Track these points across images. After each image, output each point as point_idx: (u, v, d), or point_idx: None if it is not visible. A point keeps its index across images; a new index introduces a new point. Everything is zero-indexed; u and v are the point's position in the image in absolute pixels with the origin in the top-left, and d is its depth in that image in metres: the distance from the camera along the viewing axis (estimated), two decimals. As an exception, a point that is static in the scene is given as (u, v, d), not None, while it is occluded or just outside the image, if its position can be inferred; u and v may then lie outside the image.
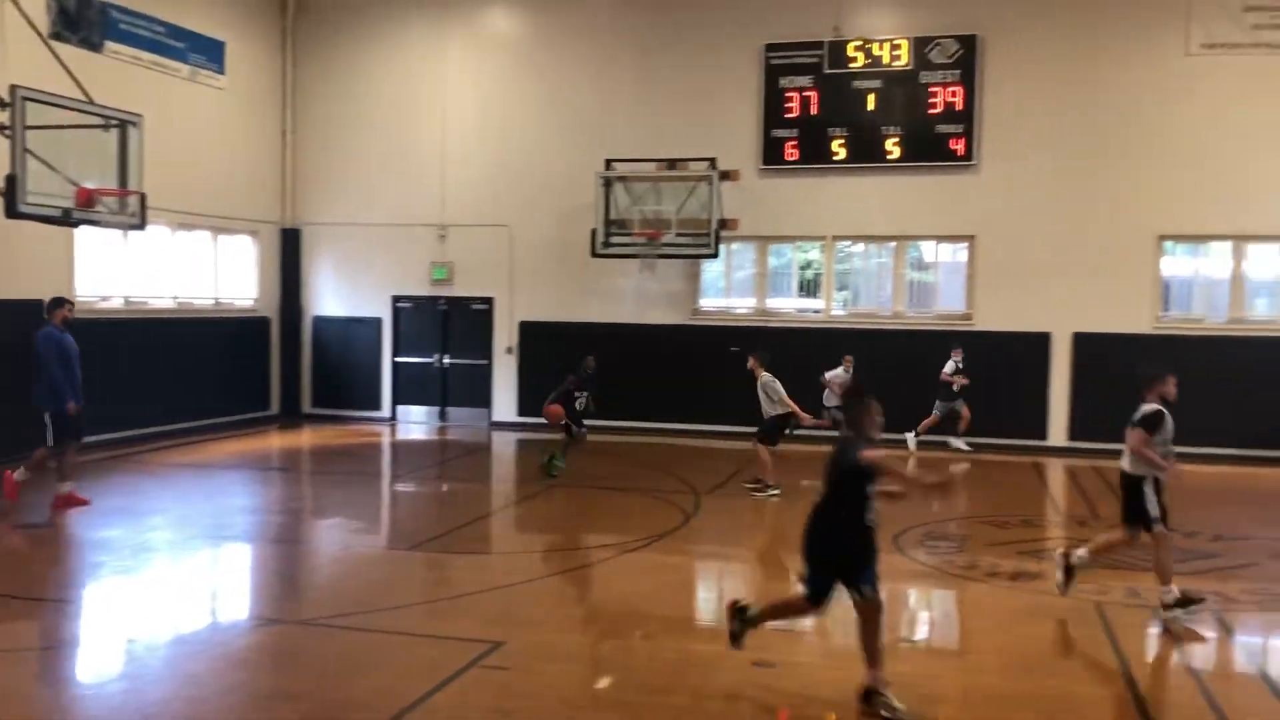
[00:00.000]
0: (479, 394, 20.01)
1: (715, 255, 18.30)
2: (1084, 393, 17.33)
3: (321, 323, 20.62)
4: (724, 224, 17.96)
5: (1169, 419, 8.34)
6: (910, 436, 17.16)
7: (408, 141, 20.02)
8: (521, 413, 19.56)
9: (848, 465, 6.27)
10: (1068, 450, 17.18)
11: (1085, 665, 7.14)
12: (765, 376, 13.11)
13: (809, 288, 19.36)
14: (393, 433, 19.43)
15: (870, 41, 17.97)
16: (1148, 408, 8.34)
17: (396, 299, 20.30)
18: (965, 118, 17.62)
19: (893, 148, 17.94)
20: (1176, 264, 17.87)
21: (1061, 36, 17.42)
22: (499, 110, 19.74)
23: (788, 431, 13.43)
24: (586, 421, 14.86)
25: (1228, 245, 17.25)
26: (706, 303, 19.41)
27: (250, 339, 19.82)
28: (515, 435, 18.94)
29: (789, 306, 19.24)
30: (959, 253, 18.43)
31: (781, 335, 18.62)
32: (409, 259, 20.07)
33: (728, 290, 19.49)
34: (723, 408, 18.39)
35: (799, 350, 18.32)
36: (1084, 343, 17.35)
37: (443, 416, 20.24)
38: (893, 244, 18.58)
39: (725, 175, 17.97)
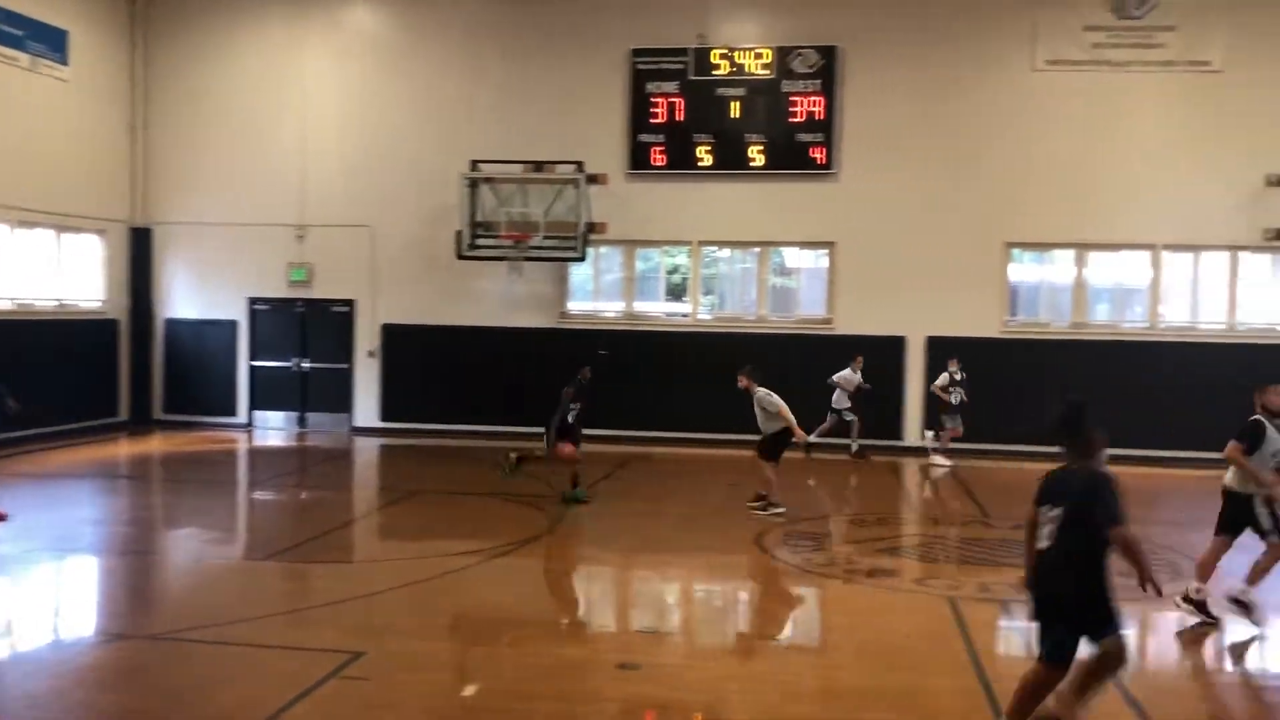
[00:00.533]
0: (340, 399, 19.55)
1: (583, 259, 18.33)
2: (935, 394, 17.89)
3: (174, 325, 19.85)
4: (592, 228, 18.01)
5: (1270, 430, 8.25)
6: (935, 453, 16.71)
7: (266, 139, 19.45)
8: (385, 418, 19.22)
9: (1106, 518, 5.50)
10: (922, 450, 17.72)
11: (939, 658, 7.37)
12: (760, 392, 12.30)
13: (676, 292, 19.56)
14: (249, 439, 18.83)
15: (734, 50, 18.26)
16: (1250, 419, 8.31)
17: (253, 301, 19.69)
18: (825, 127, 18.06)
19: (756, 155, 18.27)
20: (1023, 270, 18.64)
21: (917, 51, 18.01)
22: (362, 108, 19.37)
23: (794, 442, 12.32)
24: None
25: (1070, 253, 18.09)
26: (574, 306, 19.40)
27: (97, 342, 18.95)
28: (378, 441, 18.59)
29: (657, 310, 19.38)
30: (820, 259, 18.87)
31: (648, 338, 18.79)
32: (266, 260, 19.49)
33: (596, 294, 19.53)
34: (592, 411, 18.40)
35: (664, 354, 18.56)
36: (937, 346, 17.94)
37: (302, 422, 19.71)
38: (757, 250, 18.91)
39: (593, 179, 18.02)
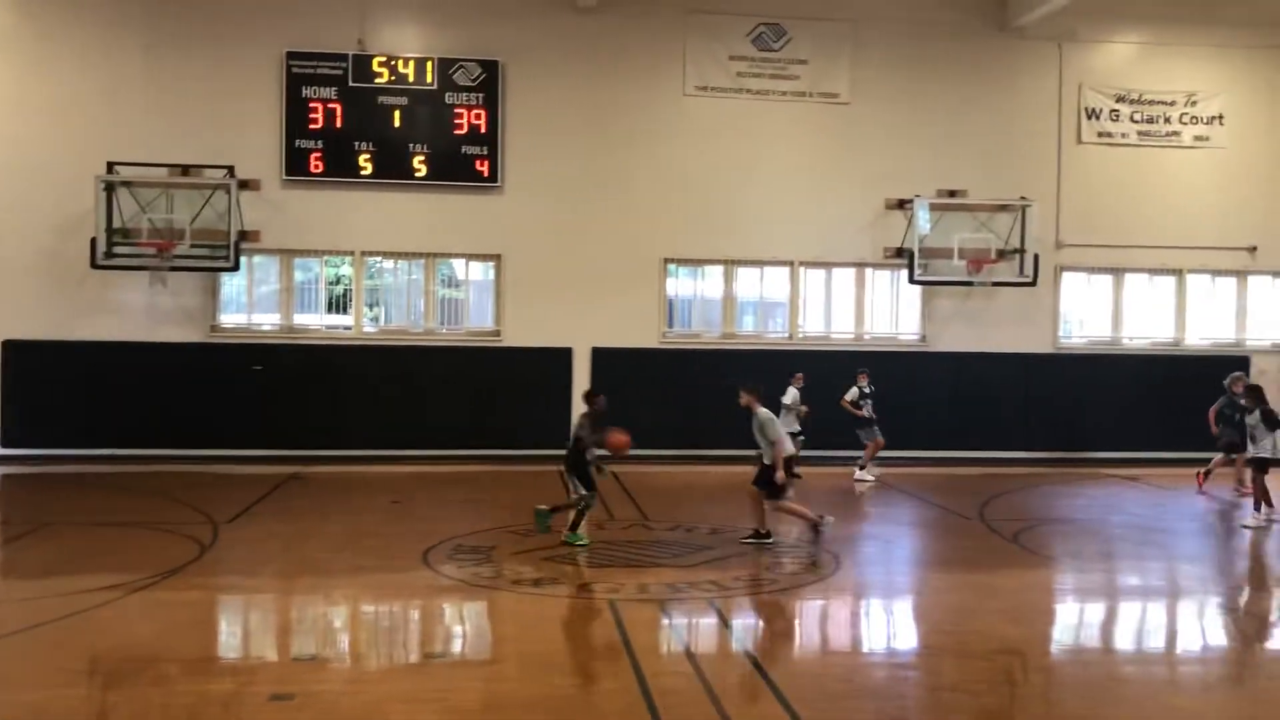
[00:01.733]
0: (-47, 423, 17.44)
1: (235, 269, 17.42)
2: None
3: None
4: (244, 236, 17.18)
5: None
6: (861, 469, 16.44)
7: None
8: (6, 443, 17.35)
9: None
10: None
11: (599, 662, 7.57)
12: (763, 413, 11.34)
13: (338, 304, 18.97)
14: None
15: (395, 58, 17.99)
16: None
17: None
18: (490, 140, 18.18)
19: (420, 165, 18.09)
20: (679, 284, 19.59)
21: (576, 70, 18.51)
22: (-25, 102, 17.43)
23: (776, 480, 11.19)
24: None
25: (720, 269, 19.21)
26: (227, 319, 18.37)
27: None
28: None
29: (317, 323, 18.71)
30: (488, 270, 18.94)
31: (308, 352, 18.14)
32: None
33: (250, 306, 18.57)
34: (245, 429, 17.57)
35: (325, 368, 17.99)
36: (601, 356, 18.51)
37: (-94, 451, 17.41)
38: (423, 260, 18.70)
39: (245, 184, 17.22)
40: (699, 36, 18.68)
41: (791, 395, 15.96)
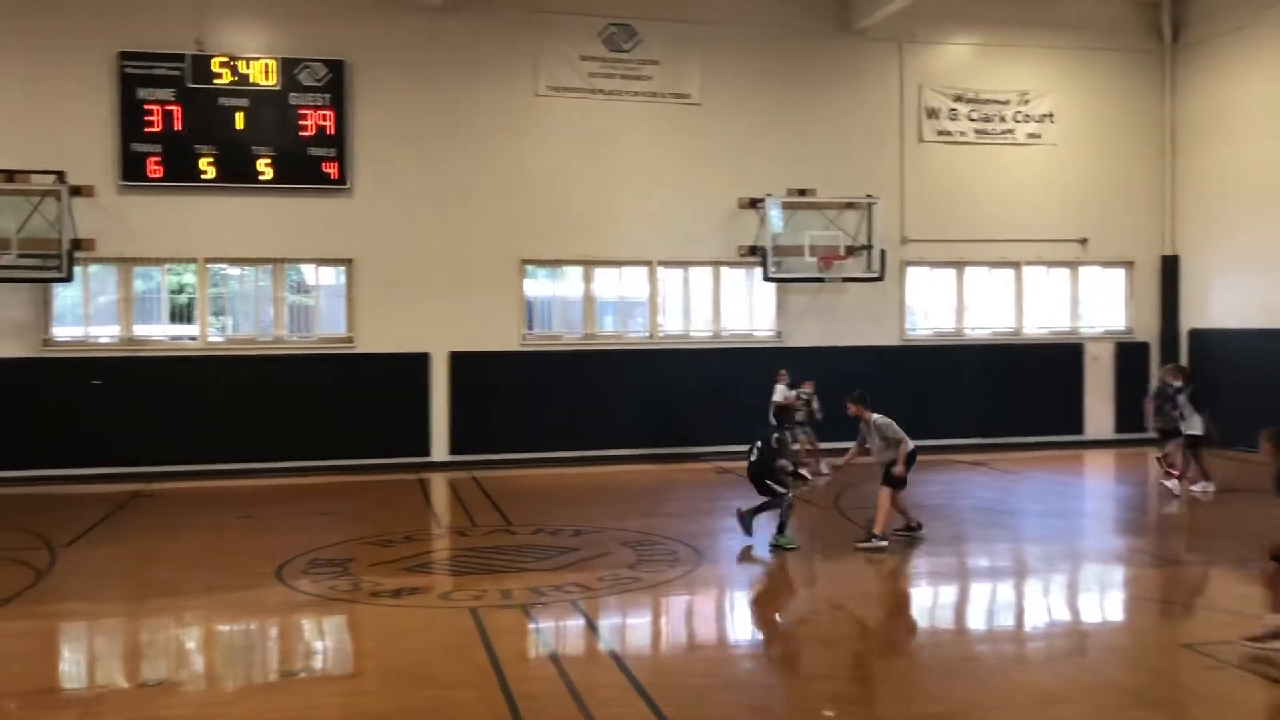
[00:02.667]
0: None
1: (69, 279, 16.57)
2: (461, 408, 18.25)
3: None
4: (79, 244, 16.37)
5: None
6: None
7: None
8: None
9: None
10: (450, 464, 17.98)
11: (461, 671, 7.44)
12: (878, 418, 11.61)
13: (183, 314, 18.23)
14: None
15: (236, 58, 17.39)
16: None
17: None
18: (337, 142, 17.73)
19: (265, 168, 17.53)
20: (538, 286, 19.48)
21: (426, 70, 18.20)
22: None
23: (895, 474, 11.52)
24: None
25: (579, 269, 19.19)
26: (61, 332, 17.44)
27: None
28: None
29: (161, 334, 17.94)
30: (339, 276, 18.48)
31: (151, 365, 17.40)
32: None
33: (86, 318, 17.66)
34: (84, 447, 16.78)
35: (170, 381, 17.32)
36: (460, 361, 18.27)
37: None
38: (271, 267, 18.12)
39: (77, 190, 16.40)
40: (549, 37, 18.62)
41: (781, 392, 16.30)
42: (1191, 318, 20.84)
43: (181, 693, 7.29)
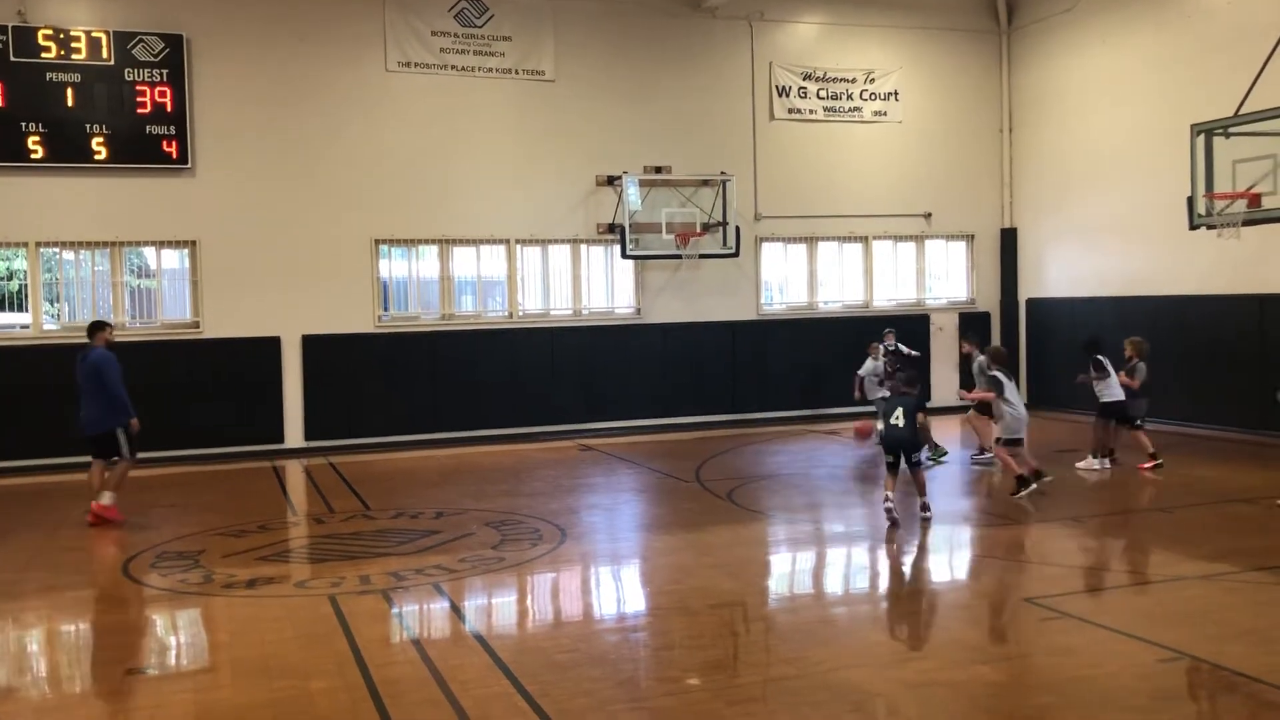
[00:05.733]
0: None
1: (-117, 266, 15.50)
2: (316, 393, 17.83)
3: None
4: (-108, 229, 15.31)
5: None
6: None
7: None
8: None
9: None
10: (305, 451, 17.55)
11: (320, 660, 7.29)
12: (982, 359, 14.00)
13: (13, 301, 17.26)
14: None
15: (64, 31, 16.49)
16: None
17: None
18: (177, 119, 17.02)
19: (100, 148, 16.71)
20: (394, 266, 19.11)
21: (270, 44, 17.62)
22: None
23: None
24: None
25: (435, 248, 18.90)
26: (-125, 323, 16.34)
27: None
28: None
29: (-12, 323, 16.99)
30: (183, 259, 17.78)
31: (-21, 356, 16.45)
32: None
33: (-95, 307, 16.59)
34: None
35: (1, 372, 16.41)
36: (313, 345, 17.83)
37: None
38: (109, 250, 17.30)
39: (-111, 172, 15.33)
40: (398, 11, 18.21)
41: (869, 366, 16.51)
42: (1029, 288, 21.83)
43: (21, 698, 6.95)
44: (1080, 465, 14.23)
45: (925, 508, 11.33)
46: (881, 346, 16.91)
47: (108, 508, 12.08)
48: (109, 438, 12.11)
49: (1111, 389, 14.07)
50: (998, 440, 12.87)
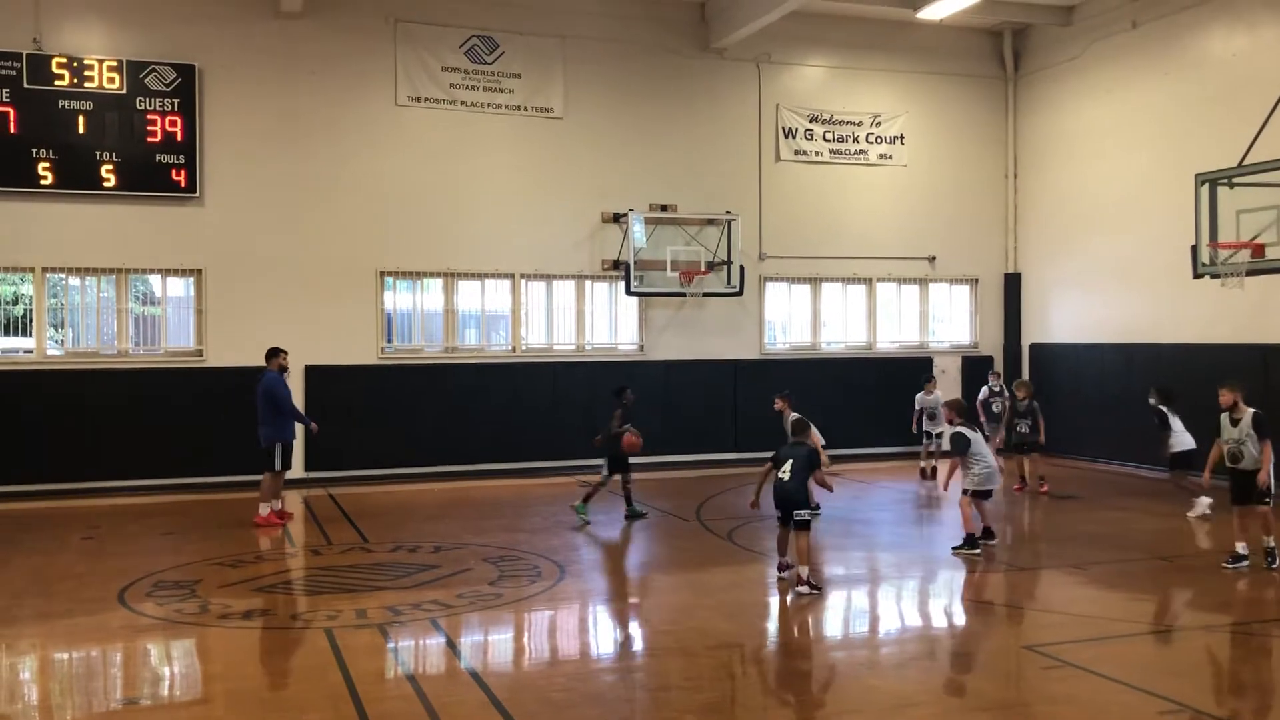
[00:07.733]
0: None
1: (-110, 289, 15.55)
2: (319, 424, 17.76)
3: None
4: (-100, 252, 15.38)
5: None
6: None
7: None
8: None
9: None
10: (306, 481, 17.48)
11: (315, 693, 7.25)
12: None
13: (18, 326, 17.29)
14: None
15: (78, 60, 16.65)
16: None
17: None
18: (187, 148, 17.13)
19: (109, 175, 16.81)
20: (398, 298, 19.13)
21: (281, 76, 17.76)
22: None
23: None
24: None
25: (440, 281, 18.95)
26: (-119, 345, 16.37)
27: None
28: None
29: (-7, 347, 17.01)
30: (188, 286, 17.82)
31: (-17, 380, 16.46)
32: None
33: (-90, 330, 16.62)
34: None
35: (3, 395, 16.41)
36: (316, 375, 17.83)
37: None
38: (115, 277, 17.36)
39: (-100, 196, 15.41)
40: (409, 46, 18.37)
41: (932, 398, 17.84)
42: (1032, 332, 21.84)
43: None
44: (1192, 514, 13.91)
45: (800, 579, 9.96)
46: (987, 387, 18.23)
47: (265, 517, 13.57)
48: (268, 453, 13.67)
49: (1179, 438, 14.08)
50: (964, 491, 11.98)
